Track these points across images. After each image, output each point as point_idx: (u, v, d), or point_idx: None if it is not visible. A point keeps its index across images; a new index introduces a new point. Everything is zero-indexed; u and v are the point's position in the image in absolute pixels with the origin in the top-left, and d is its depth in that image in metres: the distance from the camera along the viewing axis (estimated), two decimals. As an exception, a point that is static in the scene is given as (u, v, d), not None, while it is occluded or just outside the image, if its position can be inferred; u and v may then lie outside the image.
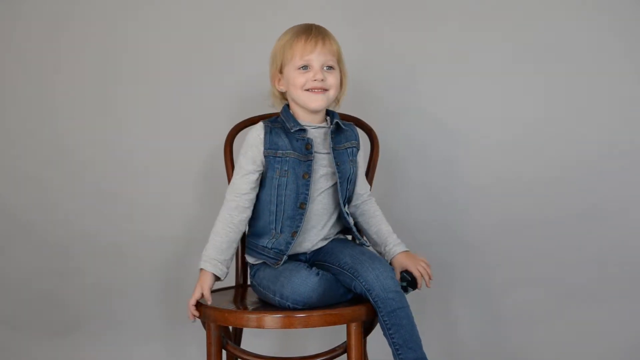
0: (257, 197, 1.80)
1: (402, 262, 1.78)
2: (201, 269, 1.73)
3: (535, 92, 2.31)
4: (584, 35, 2.29)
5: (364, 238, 1.87)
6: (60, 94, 2.47)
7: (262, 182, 1.79)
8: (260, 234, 1.80)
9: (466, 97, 2.34)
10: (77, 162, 2.45)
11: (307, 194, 1.75)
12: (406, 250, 1.81)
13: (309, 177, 1.75)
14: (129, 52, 2.44)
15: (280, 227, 1.77)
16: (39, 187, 2.46)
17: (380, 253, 1.83)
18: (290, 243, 1.75)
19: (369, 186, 1.93)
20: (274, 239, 1.76)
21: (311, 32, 1.78)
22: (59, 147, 2.46)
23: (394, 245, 1.81)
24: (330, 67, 1.78)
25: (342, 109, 2.03)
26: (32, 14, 2.47)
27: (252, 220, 1.82)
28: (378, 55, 2.36)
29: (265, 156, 1.76)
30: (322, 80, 1.76)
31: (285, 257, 1.73)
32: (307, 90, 1.76)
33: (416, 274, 1.75)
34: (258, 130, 1.79)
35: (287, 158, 1.76)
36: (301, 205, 1.75)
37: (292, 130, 1.77)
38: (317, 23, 1.83)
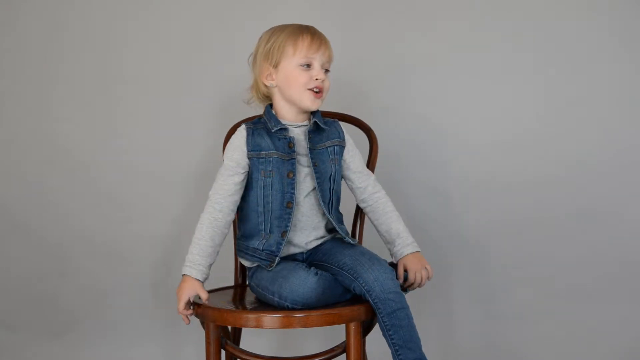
0: (245, 199, 1.78)
1: (405, 264, 1.76)
2: (185, 275, 1.70)
3: (534, 91, 2.31)
4: (583, 35, 2.29)
5: (355, 238, 1.85)
6: (60, 94, 2.46)
7: (248, 184, 1.77)
8: (250, 235, 1.78)
9: (465, 97, 2.33)
10: (75, 162, 2.45)
11: (293, 193, 1.73)
12: (415, 251, 1.77)
13: (294, 175, 1.74)
14: (128, 53, 2.44)
15: (269, 228, 1.75)
16: (37, 187, 2.46)
17: (390, 252, 1.81)
18: (280, 243, 1.73)
19: (372, 176, 1.87)
20: (265, 240, 1.75)
21: (315, 32, 1.77)
22: (56, 148, 2.45)
23: (402, 247, 1.78)
24: (326, 70, 1.78)
25: (340, 108, 2.03)
26: (32, 14, 2.46)
27: (241, 223, 1.81)
28: (377, 55, 2.36)
29: (249, 158, 1.75)
30: (323, 80, 1.76)
31: (277, 259, 1.72)
32: (310, 89, 1.74)
33: (411, 278, 1.74)
34: (241, 132, 1.77)
35: (271, 158, 1.74)
36: (288, 204, 1.74)
37: (273, 130, 1.76)
38: (315, 24, 1.82)
